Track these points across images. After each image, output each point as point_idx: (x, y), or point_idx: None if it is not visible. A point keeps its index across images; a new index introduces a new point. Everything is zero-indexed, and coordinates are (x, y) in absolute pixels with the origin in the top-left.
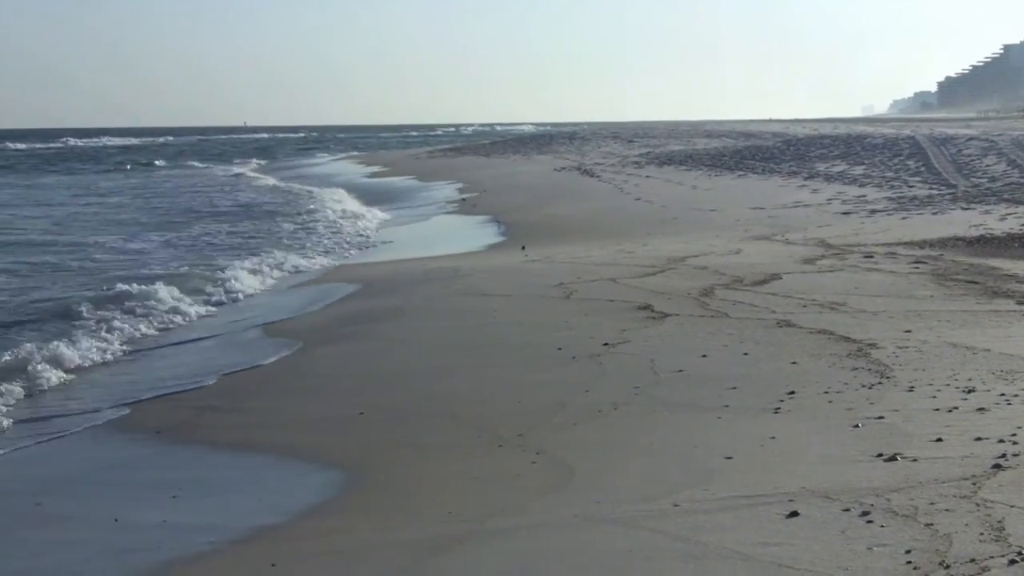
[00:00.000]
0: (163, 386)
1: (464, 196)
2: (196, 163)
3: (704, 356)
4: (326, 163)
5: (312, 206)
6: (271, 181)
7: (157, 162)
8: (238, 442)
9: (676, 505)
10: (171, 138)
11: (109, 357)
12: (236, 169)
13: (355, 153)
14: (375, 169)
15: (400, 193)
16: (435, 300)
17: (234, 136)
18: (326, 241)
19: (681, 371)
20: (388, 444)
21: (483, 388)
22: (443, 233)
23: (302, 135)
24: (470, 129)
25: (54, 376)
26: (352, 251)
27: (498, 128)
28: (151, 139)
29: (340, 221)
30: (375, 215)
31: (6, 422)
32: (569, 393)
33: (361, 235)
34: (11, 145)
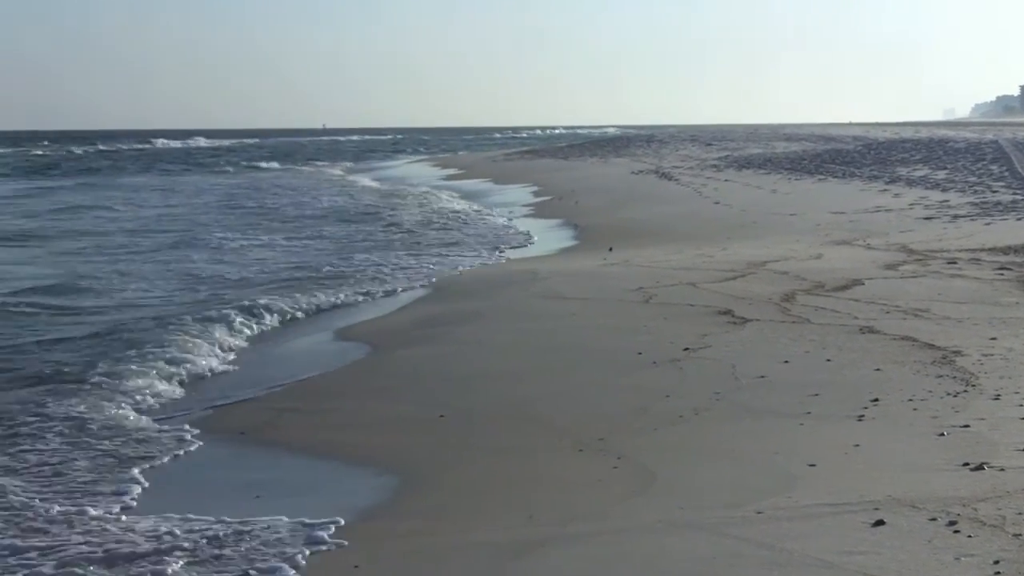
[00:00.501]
0: (246, 388)
1: (539, 199)
2: (302, 166)
3: (786, 362)
4: (401, 165)
5: (437, 206)
6: (365, 181)
7: (263, 164)
8: (318, 443)
9: (759, 512)
10: (258, 140)
11: (216, 365)
12: (332, 171)
13: (441, 155)
14: (451, 171)
15: (475, 196)
16: (513, 303)
17: (316, 139)
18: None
19: (763, 377)
20: (468, 446)
21: (563, 392)
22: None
23: (388, 137)
24: (554, 132)
25: (159, 385)
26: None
27: (581, 131)
28: (239, 140)
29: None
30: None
31: (139, 418)
32: (650, 398)
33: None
34: (109, 146)
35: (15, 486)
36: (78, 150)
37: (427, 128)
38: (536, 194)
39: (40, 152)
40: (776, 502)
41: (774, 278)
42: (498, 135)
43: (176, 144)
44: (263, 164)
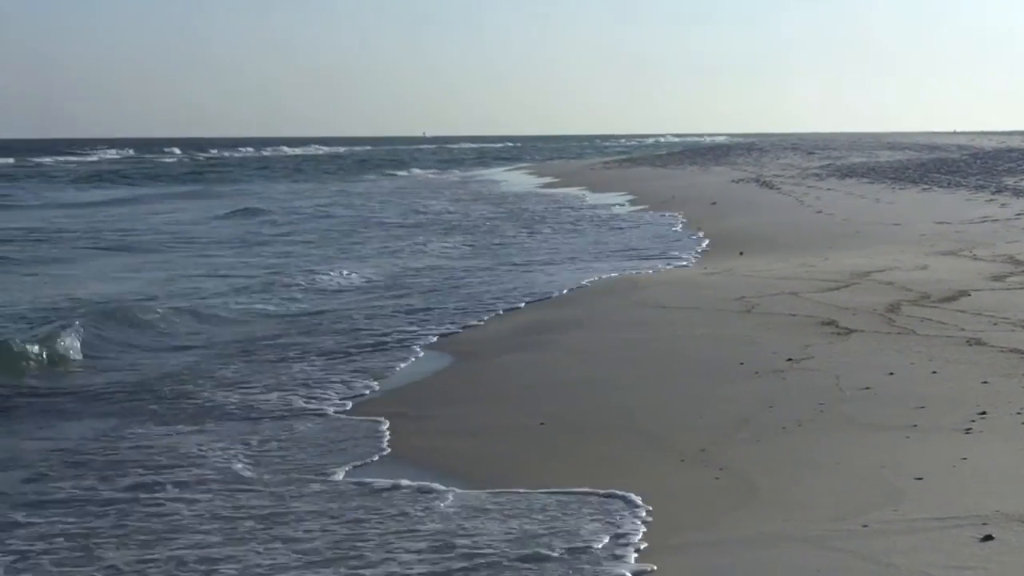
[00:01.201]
0: (353, 391)
1: (633, 208)
2: (430, 172)
3: (891, 374)
4: (500, 172)
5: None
6: (495, 188)
7: (397, 172)
8: (417, 449)
9: (865, 526)
10: (370, 147)
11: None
12: (447, 177)
13: (543, 163)
14: (548, 179)
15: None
16: (613, 311)
17: (422, 146)
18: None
19: (867, 388)
20: (569, 455)
21: (663, 401)
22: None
23: (500, 145)
24: (662, 139)
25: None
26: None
27: (689, 139)
28: (349, 148)
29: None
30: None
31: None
32: (752, 409)
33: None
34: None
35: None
36: (226, 153)
37: (536, 136)
38: (632, 203)
39: (182, 158)
40: (882, 515)
41: (878, 288)
42: (607, 143)
43: (297, 151)
44: (397, 173)
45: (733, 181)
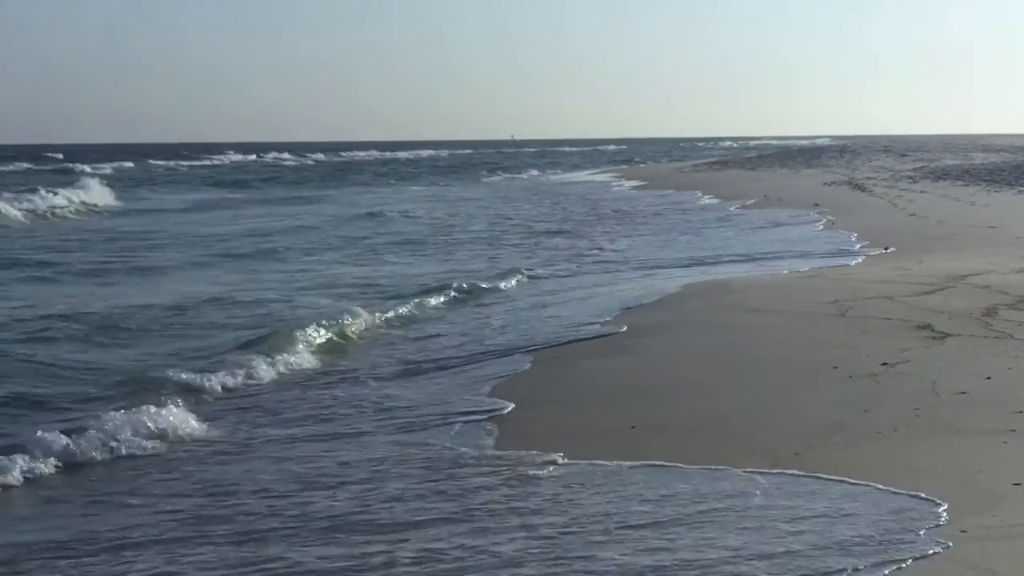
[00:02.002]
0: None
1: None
2: (533, 172)
3: (988, 378)
4: (588, 176)
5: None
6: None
7: (524, 175)
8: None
9: (963, 531)
10: (472, 151)
11: None
12: (551, 178)
13: (632, 167)
14: (635, 183)
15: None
16: (703, 314)
17: (519, 150)
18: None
19: (964, 393)
20: (661, 459)
21: (756, 405)
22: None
23: (602, 148)
24: (768, 141)
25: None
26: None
27: (789, 141)
28: (453, 152)
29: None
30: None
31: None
32: (847, 413)
33: None
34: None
35: None
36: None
37: (638, 140)
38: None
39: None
40: (980, 521)
41: (974, 292)
42: (707, 147)
43: (404, 154)
44: (523, 176)
45: (825, 184)
